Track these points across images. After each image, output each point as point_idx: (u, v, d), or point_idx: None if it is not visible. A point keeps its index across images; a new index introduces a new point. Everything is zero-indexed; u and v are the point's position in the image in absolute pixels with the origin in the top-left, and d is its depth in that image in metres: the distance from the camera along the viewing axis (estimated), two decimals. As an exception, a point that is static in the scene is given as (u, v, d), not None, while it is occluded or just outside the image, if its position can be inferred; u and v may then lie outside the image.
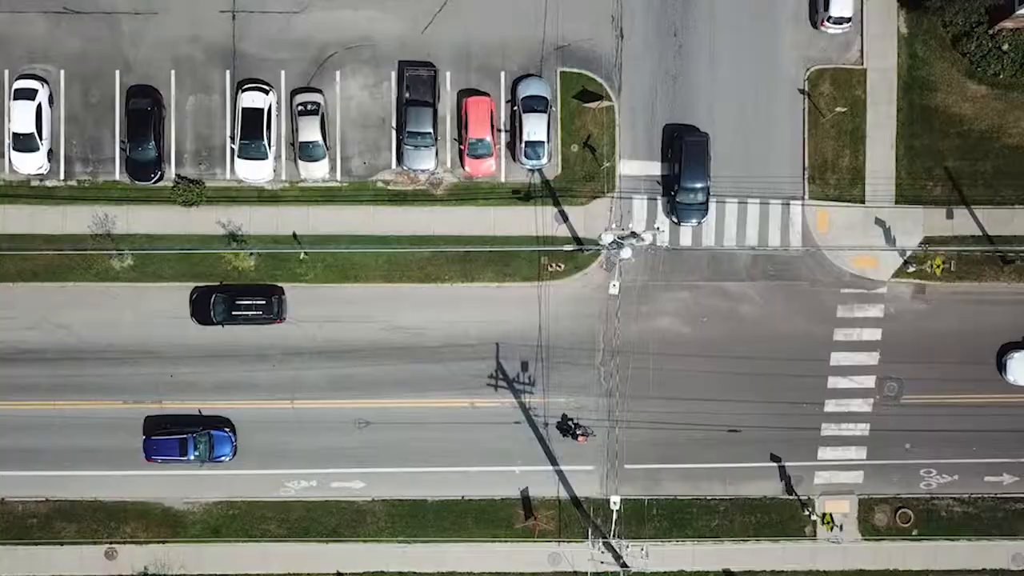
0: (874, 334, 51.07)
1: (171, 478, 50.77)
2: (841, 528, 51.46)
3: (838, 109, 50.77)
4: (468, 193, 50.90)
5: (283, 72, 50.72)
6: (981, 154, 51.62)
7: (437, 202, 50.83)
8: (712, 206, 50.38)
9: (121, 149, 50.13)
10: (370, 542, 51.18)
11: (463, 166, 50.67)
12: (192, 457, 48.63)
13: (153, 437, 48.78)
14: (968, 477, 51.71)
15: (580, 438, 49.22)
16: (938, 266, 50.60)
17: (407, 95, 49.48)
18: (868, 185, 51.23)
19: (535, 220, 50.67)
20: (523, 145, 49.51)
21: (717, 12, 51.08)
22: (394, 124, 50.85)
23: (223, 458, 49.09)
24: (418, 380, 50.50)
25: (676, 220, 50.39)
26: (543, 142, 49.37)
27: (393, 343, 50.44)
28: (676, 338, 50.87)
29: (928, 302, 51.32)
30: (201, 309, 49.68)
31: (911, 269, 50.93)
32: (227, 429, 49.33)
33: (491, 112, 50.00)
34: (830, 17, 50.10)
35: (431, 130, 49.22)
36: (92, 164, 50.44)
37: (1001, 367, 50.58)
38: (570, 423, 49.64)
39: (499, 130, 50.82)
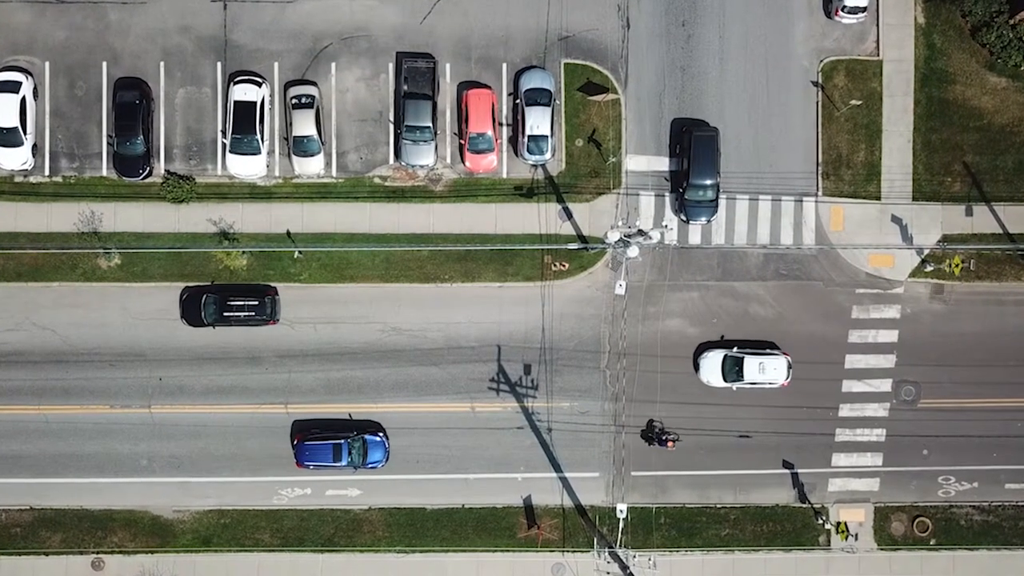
0: (890, 336, 50.64)
1: (160, 485, 50.47)
2: (856, 537, 51.02)
3: (853, 102, 50.20)
4: (468, 189, 50.42)
5: (276, 64, 50.24)
6: (1001, 149, 51.13)
7: (436, 199, 50.36)
8: (722, 203, 50.02)
9: (108, 144, 49.68)
10: (367, 552, 50.74)
11: (463, 161, 50.19)
12: (345, 463, 48.37)
13: (307, 442, 48.50)
14: (988, 484, 51.23)
15: (669, 444, 48.81)
16: (957, 265, 49.88)
17: (405, 88, 48.99)
18: (884, 181, 50.73)
19: (538, 217, 50.24)
20: (526, 140, 49.05)
21: (727, 1, 50.65)
22: (392, 118, 50.46)
23: (376, 464, 48.97)
24: (417, 383, 50.28)
25: (685, 218, 49.93)
26: (546, 136, 48.95)
27: (391, 345, 50.07)
28: (685, 340, 50.45)
29: (947, 303, 50.88)
30: (191, 310, 49.23)
31: (929, 268, 50.37)
32: (380, 434, 49.15)
33: (492, 105, 49.54)
34: (845, 6, 49.65)
35: (430, 124, 48.79)
36: (78, 159, 49.99)
37: (696, 366, 49.89)
38: (656, 428, 49.19)
39: (501, 124, 50.49)
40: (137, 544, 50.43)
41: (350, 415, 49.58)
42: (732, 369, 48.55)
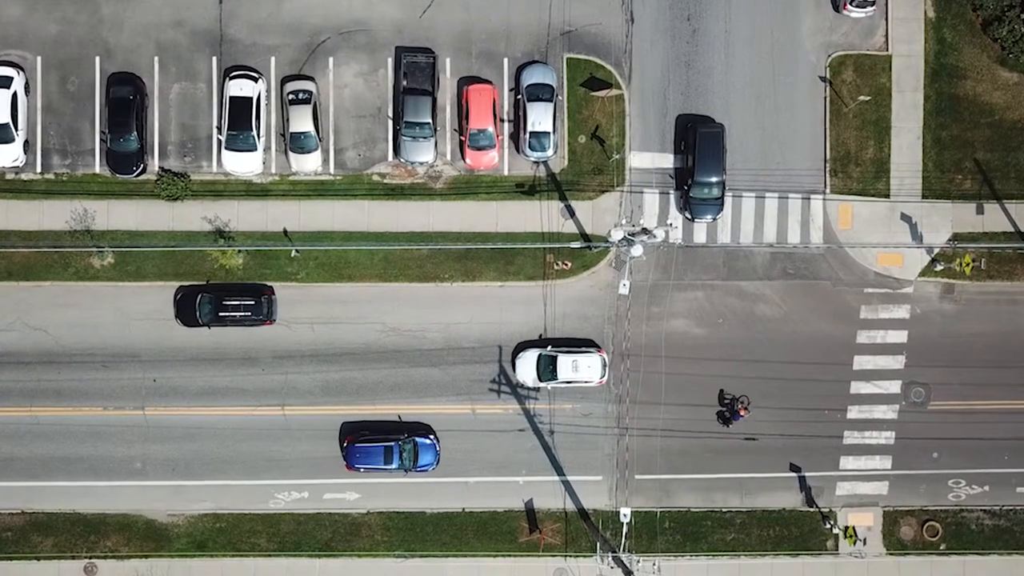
0: (900, 336, 50.33)
1: (154, 489, 50.21)
2: (865, 542, 50.65)
3: (861, 98, 49.84)
4: (469, 187, 50.22)
5: (273, 59, 50.07)
6: (1013, 145, 50.85)
7: (436, 196, 50.20)
8: (728, 201, 49.84)
9: (101, 140, 49.44)
10: (365, 557, 50.41)
11: (464, 158, 49.96)
12: (396, 466, 48.31)
13: (358, 444, 48.41)
14: (999, 488, 50.81)
15: (742, 412, 48.65)
16: (968, 264, 49.46)
17: (404, 83, 48.81)
18: (893, 178, 50.53)
19: (540, 215, 50.08)
20: (527, 136, 48.87)
21: (734, -6, 50.79)
22: (391, 114, 50.29)
23: (427, 467, 48.92)
24: (416, 385, 50.02)
25: (690, 216, 49.86)
26: (548, 133, 48.77)
27: (390, 346, 49.85)
28: (689, 341, 50.20)
29: (957, 302, 50.61)
30: (186, 310, 48.97)
31: (939, 267, 50.13)
32: (431, 436, 49.16)
33: (493, 101, 49.36)
34: (853, 0, 49.47)
35: (430, 120, 48.60)
36: (71, 156, 49.80)
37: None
38: (726, 400, 49.21)
39: (502, 120, 50.28)
40: (131, 549, 50.06)
41: (399, 416, 49.55)
42: (547, 368, 48.32)
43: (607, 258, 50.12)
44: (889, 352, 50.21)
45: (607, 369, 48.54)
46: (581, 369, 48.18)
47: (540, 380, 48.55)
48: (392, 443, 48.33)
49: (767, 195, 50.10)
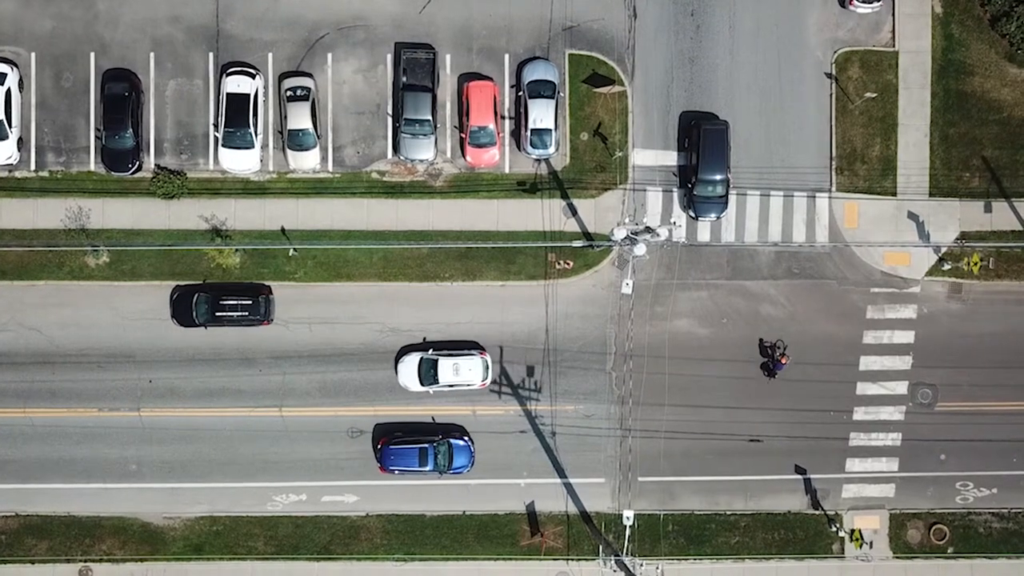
0: (907, 336, 50.21)
1: (150, 491, 50.11)
2: (871, 545, 50.58)
3: (868, 94, 49.77)
4: (469, 185, 50.04)
5: (270, 55, 49.87)
6: (1022, 143, 50.64)
7: (436, 194, 50.02)
8: (732, 199, 49.72)
9: (96, 137, 49.29)
10: (364, 560, 50.35)
11: (464, 156, 49.81)
12: (431, 467, 48.34)
13: (392, 446, 48.44)
14: (1008, 490, 50.77)
15: (783, 359, 48.50)
16: (975, 263, 49.52)
17: (404, 79, 48.65)
18: (900, 176, 50.32)
19: (541, 214, 49.91)
20: (529, 133, 48.66)
21: (738, -11, 50.68)
22: (390, 111, 50.13)
23: (462, 469, 48.92)
24: None
25: (693, 215, 49.67)
26: (550, 130, 48.61)
27: (389, 346, 49.70)
28: (693, 341, 50.06)
29: (965, 302, 50.47)
30: (182, 310, 48.80)
31: (946, 267, 50.01)
32: (465, 438, 49.25)
33: (494, 98, 49.17)
34: None
35: (430, 117, 48.41)
36: (65, 154, 49.60)
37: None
38: (766, 347, 49.23)
39: (503, 117, 50.08)
40: (126, 552, 49.96)
41: (433, 418, 49.57)
42: (428, 372, 48.21)
43: (610, 257, 50.00)
44: (896, 352, 50.08)
45: (490, 371, 48.44)
46: (462, 372, 48.05)
47: (422, 384, 48.40)
48: (427, 445, 48.39)
49: (772, 193, 49.97)
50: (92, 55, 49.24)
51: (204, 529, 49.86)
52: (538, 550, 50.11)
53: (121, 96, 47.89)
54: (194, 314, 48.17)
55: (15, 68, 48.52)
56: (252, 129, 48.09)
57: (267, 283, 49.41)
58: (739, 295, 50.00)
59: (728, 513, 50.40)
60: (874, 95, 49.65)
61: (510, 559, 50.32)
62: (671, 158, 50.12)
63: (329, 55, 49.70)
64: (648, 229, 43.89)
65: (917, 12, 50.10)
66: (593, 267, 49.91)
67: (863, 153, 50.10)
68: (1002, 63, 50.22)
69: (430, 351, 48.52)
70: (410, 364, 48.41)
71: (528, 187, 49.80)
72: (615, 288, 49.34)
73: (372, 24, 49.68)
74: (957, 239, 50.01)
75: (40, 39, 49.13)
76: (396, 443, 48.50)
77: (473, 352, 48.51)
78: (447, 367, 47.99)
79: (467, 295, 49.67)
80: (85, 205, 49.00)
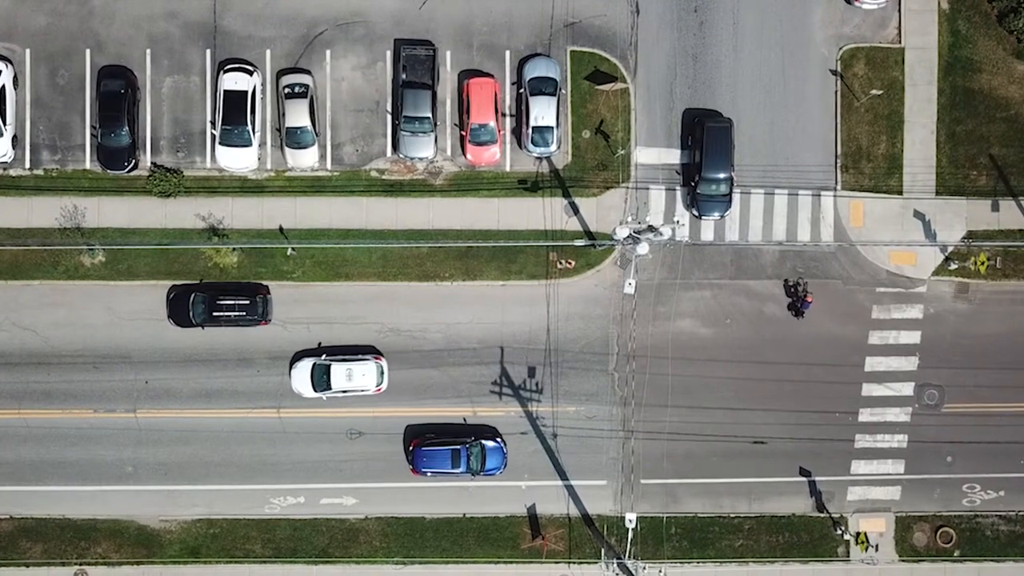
0: (913, 337, 50.16)
1: (146, 494, 50.07)
2: (877, 548, 50.53)
3: (873, 92, 49.51)
4: (470, 183, 49.88)
5: (268, 51, 49.77)
6: None
7: (436, 193, 49.86)
8: (736, 198, 49.72)
9: (92, 135, 49.25)
10: (363, 563, 50.34)
11: (464, 154, 49.69)
12: (463, 469, 48.44)
13: (424, 448, 48.48)
14: (1015, 493, 50.78)
15: (808, 298, 48.53)
16: (982, 263, 49.40)
17: (404, 76, 48.62)
18: (906, 174, 50.28)
19: (543, 213, 49.78)
20: (530, 131, 48.66)
21: (742, -15, 50.51)
22: (389, 108, 50.01)
23: (495, 471, 48.98)
24: (415, 387, 49.87)
25: (697, 214, 49.59)
26: (552, 128, 48.58)
27: (388, 347, 49.51)
28: (696, 341, 49.95)
29: (971, 302, 50.41)
30: (179, 309, 48.75)
31: (953, 266, 49.89)
32: (498, 439, 49.24)
33: (495, 95, 49.12)
34: None
35: (430, 115, 48.39)
36: (60, 151, 49.56)
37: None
38: (789, 287, 49.15)
39: (504, 115, 50.08)
40: (122, 555, 49.93)
41: (464, 419, 49.49)
42: (321, 378, 48.03)
43: (612, 256, 49.82)
44: (902, 353, 49.96)
45: (385, 376, 48.32)
46: (355, 377, 47.97)
47: (315, 390, 48.19)
48: (459, 447, 48.40)
49: (776, 192, 49.84)
50: (88, 52, 49.18)
51: (201, 532, 49.76)
52: (539, 553, 50.03)
53: (117, 93, 47.88)
54: (191, 314, 48.11)
55: (10, 65, 48.44)
56: (250, 127, 48.05)
57: (265, 283, 49.28)
58: (743, 295, 49.88)
59: (732, 516, 50.28)
60: (880, 92, 49.46)
61: (511, 562, 50.25)
62: (674, 156, 50.06)
63: (328, 52, 49.57)
64: (651, 228, 43.68)
65: (923, 8, 50.06)
66: (595, 266, 49.75)
67: (869, 151, 50.00)
68: (1009, 59, 50.12)
69: (323, 356, 48.42)
70: (303, 370, 48.27)
71: (529, 185, 49.67)
72: (617, 288, 49.11)
73: (371, 20, 49.61)
74: (964, 238, 49.91)
75: (35, 35, 49.06)
76: (428, 445, 48.47)
77: (367, 357, 48.36)
78: (340, 372, 47.88)
79: (467, 295, 49.53)
80: (80, 204, 48.89)
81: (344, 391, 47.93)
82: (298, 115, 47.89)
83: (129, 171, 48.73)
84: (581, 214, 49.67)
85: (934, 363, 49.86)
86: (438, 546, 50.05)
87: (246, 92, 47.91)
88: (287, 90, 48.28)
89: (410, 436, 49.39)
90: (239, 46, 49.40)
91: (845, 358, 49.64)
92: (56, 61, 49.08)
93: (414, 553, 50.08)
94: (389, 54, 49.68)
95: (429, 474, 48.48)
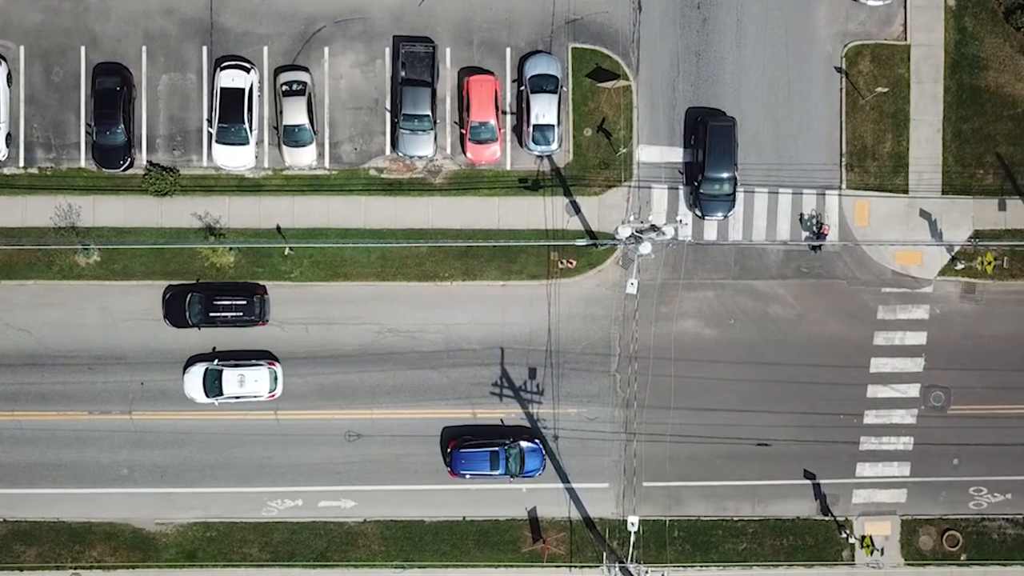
0: (919, 338, 50.06)
1: (142, 496, 49.91)
2: (882, 552, 50.53)
3: (879, 89, 49.45)
4: (470, 182, 49.73)
5: (266, 48, 49.60)
6: None
7: (436, 192, 49.72)
8: (740, 197, 49.54)
9: (87, 133, 48.98)
10: (362, 567, 50.28)
11: (464, 152, 49.54)
12: (502, 471, 48.52)
13: (462, 449, 48.58)
14: (1022, 496, 50.74)
15: (824, 230, 48.77)
16: (989, 263, 49.30)
17: (403, 74, 48.44)
18: (912, 173, 50.10)
19: (544, 212, 49.63)
20: (531, 129, 48.53)
21: (745, -19, 50.38)
22: (388, 106, 49.86)
23: (534, 473, 48.97)
24: (415, 388, 49.80)
25: (700, 214, 49.39)
26: (553, 126, 48.45)
27: (387, 347, 49.50)
28: (700, 342, 49.86)
29: (978, 302, 50.31)
30: (175, 310, 48.67)
31: (959, 266, 49.78)
32: (536, 440, 49.26)
33: (495, 93, 48.99)
34: None
35: (429, 112, 48.30)
36: (55, 150, 49.38)
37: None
38: (804, 220, 49.13)
39: (504, 112, 49.93)
40: (117, 559, 49.84)
41: (502, 420, 49.46)
42: (213, 384, 47.81)
43: (614, 256, 49.67)
44: (908, 354, 49.84)
45: (279, 382, 48.12)
46: (248, 383, 47.75)
47: (207, 396, 47.97)
48: (498, 448, 48.40)
49: (780, 191, 49.68)
50: (83, 49, 48.99)
51: (197, 535, 49.65)
52: (540, 557, 49.96)
53: (112, 91, 47.76)
54: (187, 314, 48.01)
55: (4, 62, 48.34)
56: (247, 125, 47.93)
57: (262, 283, 49.14)
58: (747, 295, 49.75)
59: (735, 519, 50.21)
60: (885, 90, 49.38)
61: (511, 566, 50.19)
62: (677, 154, 49.89)
63: (326, 49, 49.41)
64: (653, 227, 43.64)
65: (929, 5, 49.91)
66: (597, 266, 49.60)
67: (874, 149, 49.82)
68: (1016, 57, 49.95)
69: (215, 361, 48.16)
70: (196, 375, 48.08)
71: (530, 184, 49.51)
72: (619, 288, 48.98)
73: (370, 17, 49.46)
74: (970, 238, 49.78)
75: (29, 32, 48.90)
76: (466, 447, 48.42)
77: (261, 363, 48.09)
78: (232, 378, 47.62)
79: (467, 295, 49.39)
80: (75, 202, 48.72)
81: (237, 397, 47.74)
82: (296, 113, 47.78)
83: (125, 169, 48.55)
84: (582, 213, 49.51)
85: (940, 364, 49.77)
86: (438, 550, 49.91)
87: (243, 90, 47.75)
88: (285, 87, 48.20)
89: (447, 438, 49.26)
90: (236, 43, 49.22)
91: (850, 359, 49.56)
92: (51, 58, 48.91)
93: (413, 557, 49.97)
94: (388, 51, 49.51)
95: (468, 476, 48.40)
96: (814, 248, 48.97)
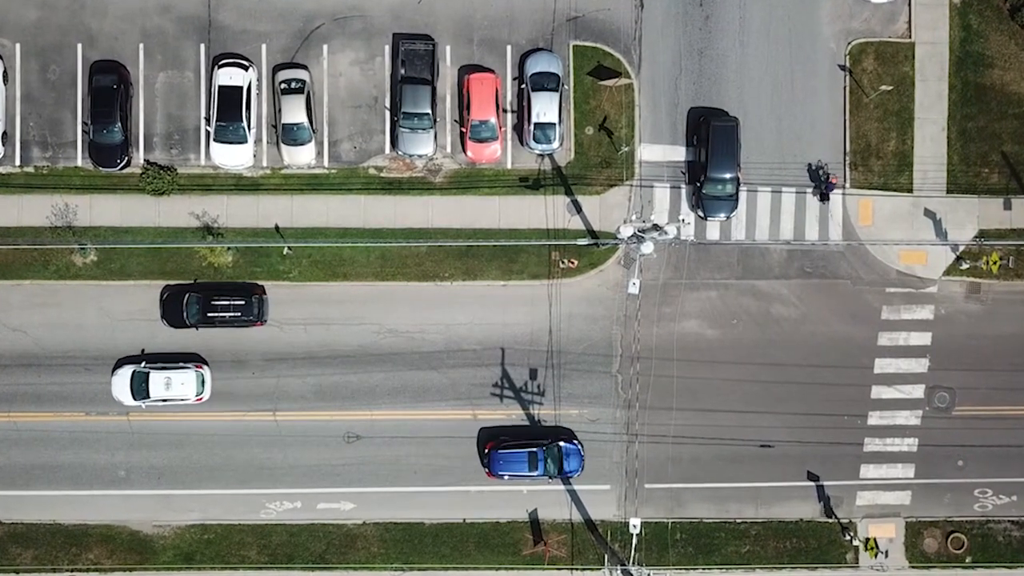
0: (923, 338, 49.86)
1: (139, 498, 49.72)
2: (886, 555, 50.40)
3: (883, 87, 49.30)
4: (470, 181, 49.63)
5: (264, 46, 49.52)
6: None
7: (436, 191, 49.61)
8: (743, 196, 49.39)
9: (84, 132, 48.97)
10: (361, 570, 50.12)
11: (465, 151, 49.43)
12: (541, 472, 48.40)
13: (500, 450, 48.49)
14: None
15: (833, 179, 48.45)
16: (994, 262, 48.93)
17: (402, 72, 48.35)
18: (916, 172, 49.91)
19: (545, 211, 49.51)
20: (532, 127, 48.38)
21: (749, -22, 50.30)
22: (388, 104, 49.77)
23: (573, 474, 48.87)
24: (414, 389, 49.70)
25: (702, 214, 49.19)
26: (554, 124, 48.32)
27: (387, 348, 49.40)
28: (702, 343, 49.74)
29: (983, 302, 50.13)
30: (173, 310, 48.51)
31: (964, 266, 49.55)
32: (575, 440, 49.22)
33: (496, 91, 48.82)
34: None
35: (429, 111, 48.17)
36: (51, 148, 49.27)
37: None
38: (816, 171, 49.14)
39: (505, 111, 49.80)
40: (114, 561, 49.71)
41: (538, 420, 49.38)
42: (140, 386, 47.74)
43: (615, 256, 49.58)
44: (912, 355, 49.69)
45: (206, 385, 48.00)
46: (174, 386, 47.67)
47: (134, 398, 47.86)
48: (536, 449, 48.32)
49: (784, 190, 49.50)
50: (79, 46, 48.89)
51: (195, 537, 49.56)
52: (541, 559, 49.83)
53: (109, 89, 47.60)
54: (185, 315, 47.86)
55: (-1, 60, 48.60)
56: (245, 123, 47.83)
57: (260, 283, 49.04)
58: (750, 295, 49.59)
59: (738, 521, 50.07)
60: (890, 88, 49.23)
61: (512, 568, 50.06)
62: (679, 153, 49.71)
63: (325, 46, 49.29)
64: (655, 227, 43.32)
65: (934, 2, 49.77)
66: (598, 266, 49.48)
67: (878, 148, 49.65)
68: (1022, 55, 49.80)
69: (143, 364, 48.03)
70: (123, 377, 47.96)
71: (531, 183, 49.38)
72: (621, 288, 48.89)
73: (369, 14, 49.34)
74: (975, 237, 49.61)
75: (25, 30, 48.77)
76: (505, 447, 48.37)
77: (188, 366, 48.02)
78: (158, 381, 47.53)
79: (467, 295, 49.27)
80: (72, 202, 48.63)
81: (164, 400, 47.59)
82: (294, 111, 47.66)
83: (122, 168, 48.43)
84: (584, 212, 49.39)
85: (945, 365, 49.53)
86: (438, 552, 49.78)
87: (241, 88, 47.61)
88: (283, 86, 48.00)
89: (484, 439, 49.12)
90: (234, 41, 49.08)
91: (854, 360, 49.35)
92: (47, 56, 48.78)
93: (413, 559, 49.83)
94: (388, 49, 49.40)
95: (506, 477, 48.32)
96: (823, 198, 48.57)
